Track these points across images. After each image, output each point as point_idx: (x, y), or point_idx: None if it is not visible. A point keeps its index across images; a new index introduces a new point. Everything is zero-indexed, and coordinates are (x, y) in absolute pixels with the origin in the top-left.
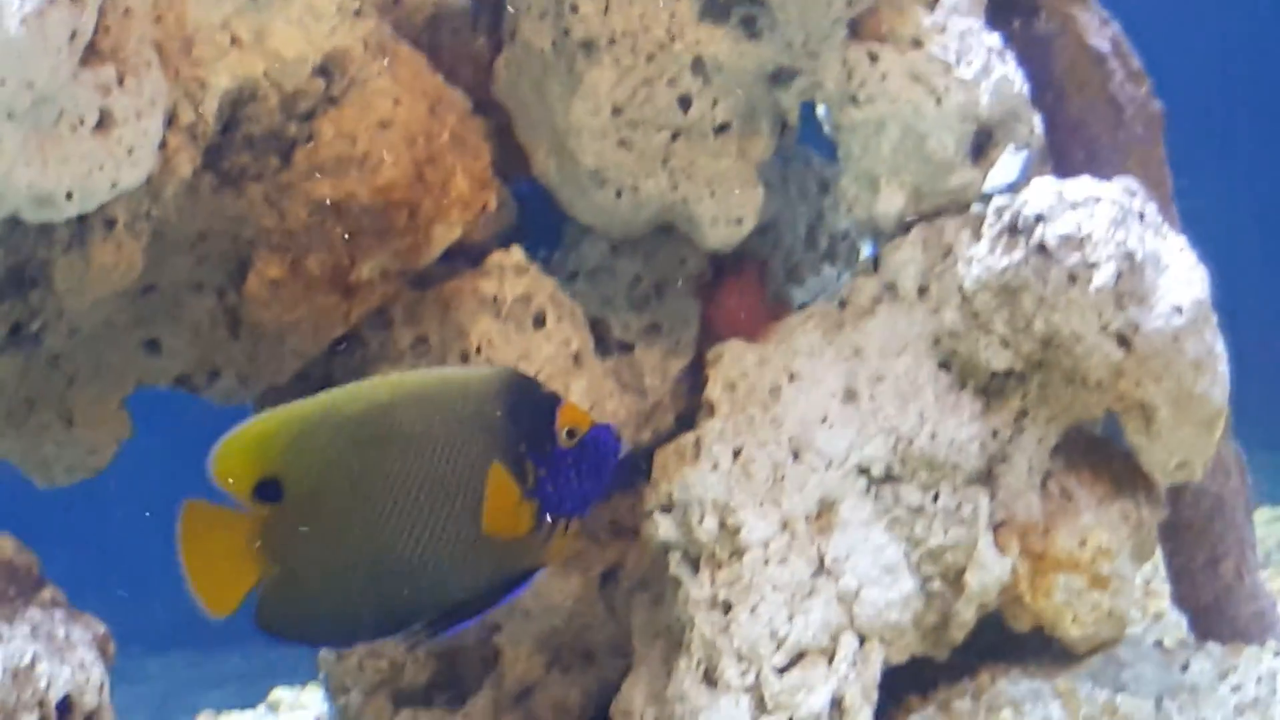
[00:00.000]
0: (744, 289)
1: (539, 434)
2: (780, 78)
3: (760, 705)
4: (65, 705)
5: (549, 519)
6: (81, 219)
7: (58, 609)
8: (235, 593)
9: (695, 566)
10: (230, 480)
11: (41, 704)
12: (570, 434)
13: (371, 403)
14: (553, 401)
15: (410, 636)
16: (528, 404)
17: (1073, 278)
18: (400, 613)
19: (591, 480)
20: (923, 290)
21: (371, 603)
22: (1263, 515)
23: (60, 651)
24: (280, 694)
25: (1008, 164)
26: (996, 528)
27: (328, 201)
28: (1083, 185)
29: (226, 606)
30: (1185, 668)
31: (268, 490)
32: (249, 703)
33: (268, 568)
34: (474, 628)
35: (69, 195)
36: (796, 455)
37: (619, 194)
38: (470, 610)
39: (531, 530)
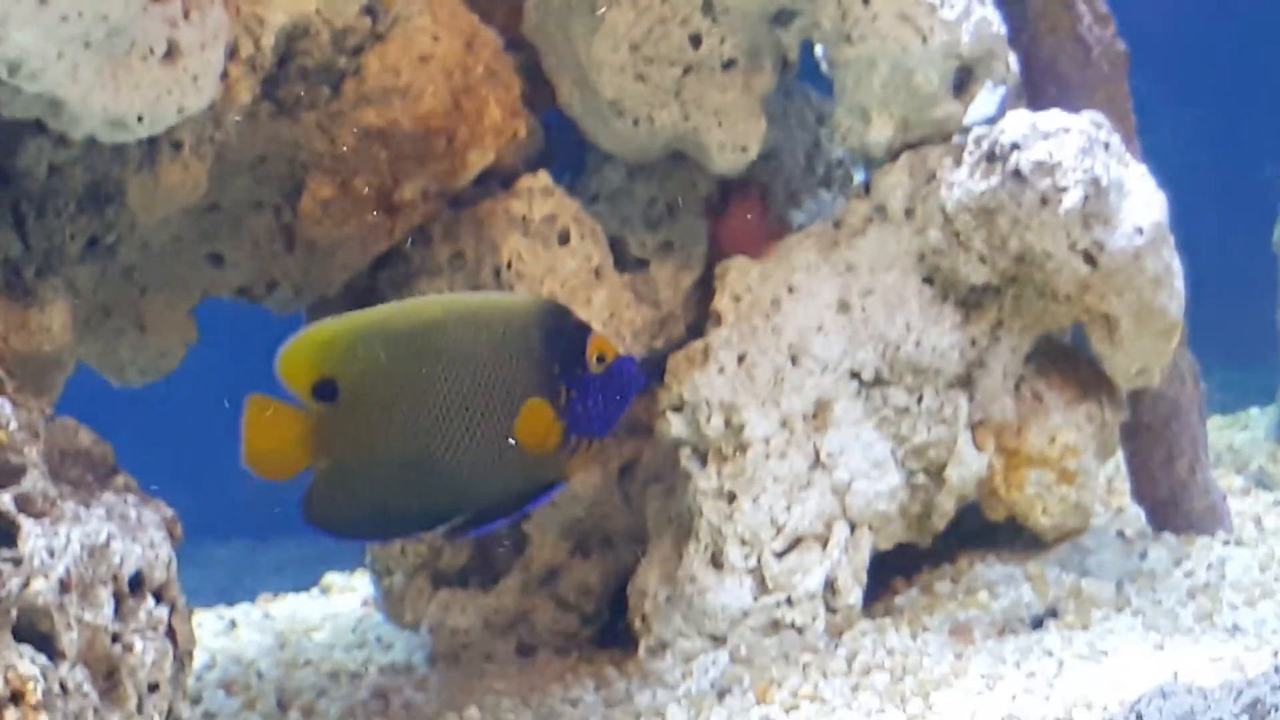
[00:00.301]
0: (748, 211)
1: (571, 359)
2: (782, 18)
3: (761, 585)
4: (136, 580)
5: (574, 438)
6: (151, 141)
7: (130, 494)
8: (285, 471)
9: (703, 461)
10: (292, 378)
11: (115, 578)
12: (600, 360)
13: (424, 318)
14: (585, 330)
15: (446, 534)
16: (563, 331)
17: (1044, 200)
18: (435, 511)
19: (615, 405)
20: (909, 212)
21: (410, 500)
22: (1214, 423)
23: (132, 532)
24: (332, 578)
25: (986, 98)
26: (974, 427)
27: (374, 128)
28: (1054, 117)
29: (271, 477)
30: (1143, 555)
31: (325, 390)
32: (304, 586)
33: (318, 459)
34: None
35: (139, 118)
36: (795, 360)
37: (636, 123)
38: (498, 514)
39: (559, 447)
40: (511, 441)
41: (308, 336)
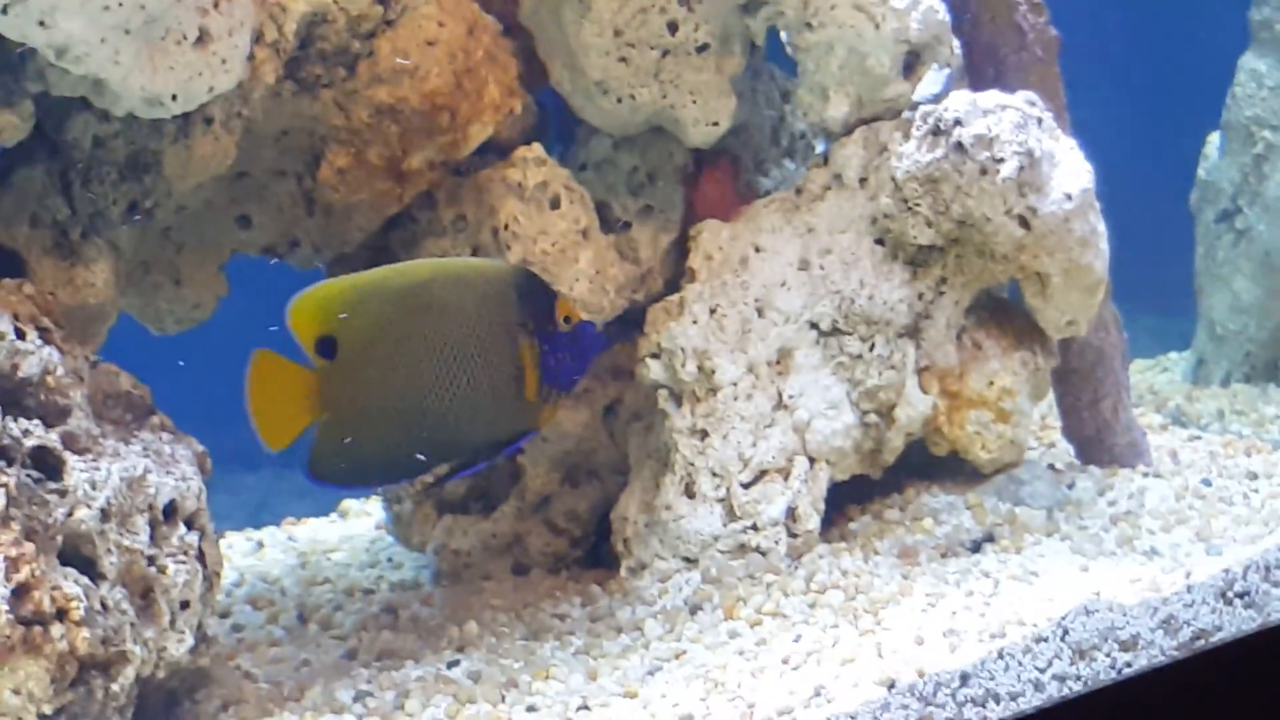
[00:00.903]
0: (720, 179)
1: (542, 317)
2: (750, 6)
3: (730, 513)
4: (170, 509)
5: (546, 389)
6: (185, 117)
7: (165, 432)
8: (290, 431)
9: (679, 402)
10: (300, 331)
11: (151, 507)
12: (566, 321)
13: (414, 278)
14: (553, 294)
15: (434, 483)
16: (535, 293)
17: (983, 170)
18: (428, 457)
19: (579, 363)
20: (863, 180)
21: (405, 448)
22: (1137, 366)
23: (166, 465)
24: (349, 504)
25: (932, 79)
26: (921, 372)
27: (385, 105)
28: (992, 96)
29: (281, 442)
30: (1071, 486)
31: (325, 347)
32: (324, 511)
33: (320, 414)
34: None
35: (174, 97)
36: (760, 312)
37: (619, 101)
38: (480, 458)
39: (535, 397)
40: (494, 389)
41: (310, 295)
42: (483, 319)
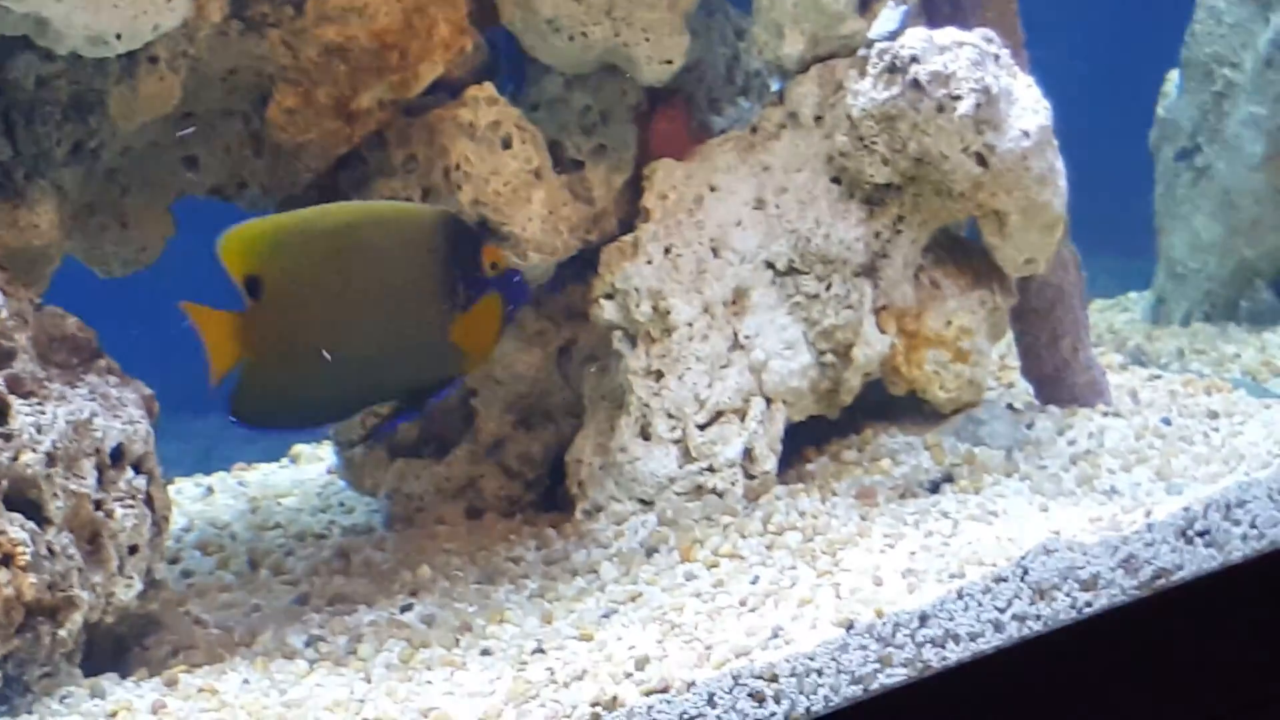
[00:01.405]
0: (673, 117)
1: (468, 263)
2: None
3: (686, 455)
4: (117, 452)
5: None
6: (130, 56)
7: (112, 375)
8: (219, 368)
9: (634, 343)
10: (230, 266)
11: (98, 451)
12: (494, 266)
13: (340, 220)
14: (480, 239)
15: (362, 438)
16: (462, 238)
17: (940, 107)
18: (353, 400)
19: (505, 309)
20: (819, 118)
21: (328, 391)
22: (1096, 306)
23: (113, 409)
24: (300, 448)
25: (888, 16)
26: (878, 311)
27: (333, 44)
28: (949, 33)
29: (211, 378)
30: (1030, 426)
31: (252, 287)
32: (275, 456)
33: (244, 355)
34: (454, 396)
35: (118, 36)
36: (716, 252)
37: (571, 39)
38: (406, 409)
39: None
40: (418, 331)
41: (238, 232)
42: (408, 262)
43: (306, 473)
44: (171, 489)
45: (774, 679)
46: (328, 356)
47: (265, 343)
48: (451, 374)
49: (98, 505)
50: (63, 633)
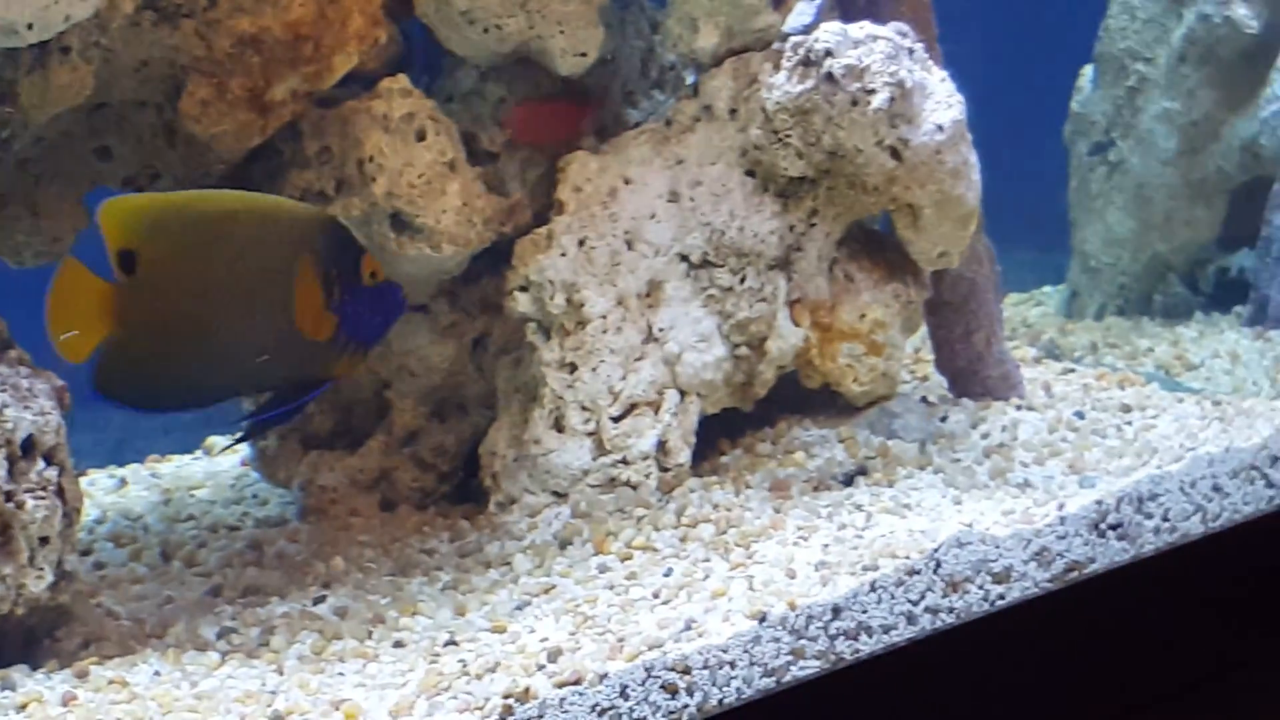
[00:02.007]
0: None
1: (348, 267)
2: None
3: (599, 447)
4: (28, 444)
5: (344, 337)
6: (41, 46)
7: (22, 366)
8: (85, 344)
9: (547, 335)
10: (108, 237)
11: (8, 442)
12: (373, 276)
13: (224, 206)
14: (362, 249)
15: (239, 438)
16: (343, 243)
17: (854, 101)
18: (215, 389)
19: (381, 319)
20: (733, 111)
21: (192, 376)
22: (1011, 299)
23: (24, 400)
24: (214, 440)
25: (803, 9)
26: (792, 304)
27: (247, 34)
28: (863, 27)
29: (77, 355)
30: (944, 419)
31: (126, 261)
32: (189, 448)
33: (113, 330)
34: (368, 388)
35: (29, 25)
36: (630, 245)
37: (486, 30)
38: (275, 407)
39: (330, 340)
40: (289, 326)
41: (118, 202)
42: (284, 259)
43: (220, 465)
44: (84, 481)
45: (687, 671)
46: (193, 342)
47: (132, 319)
48: (320, 377)
49: (8, 497)
50: None
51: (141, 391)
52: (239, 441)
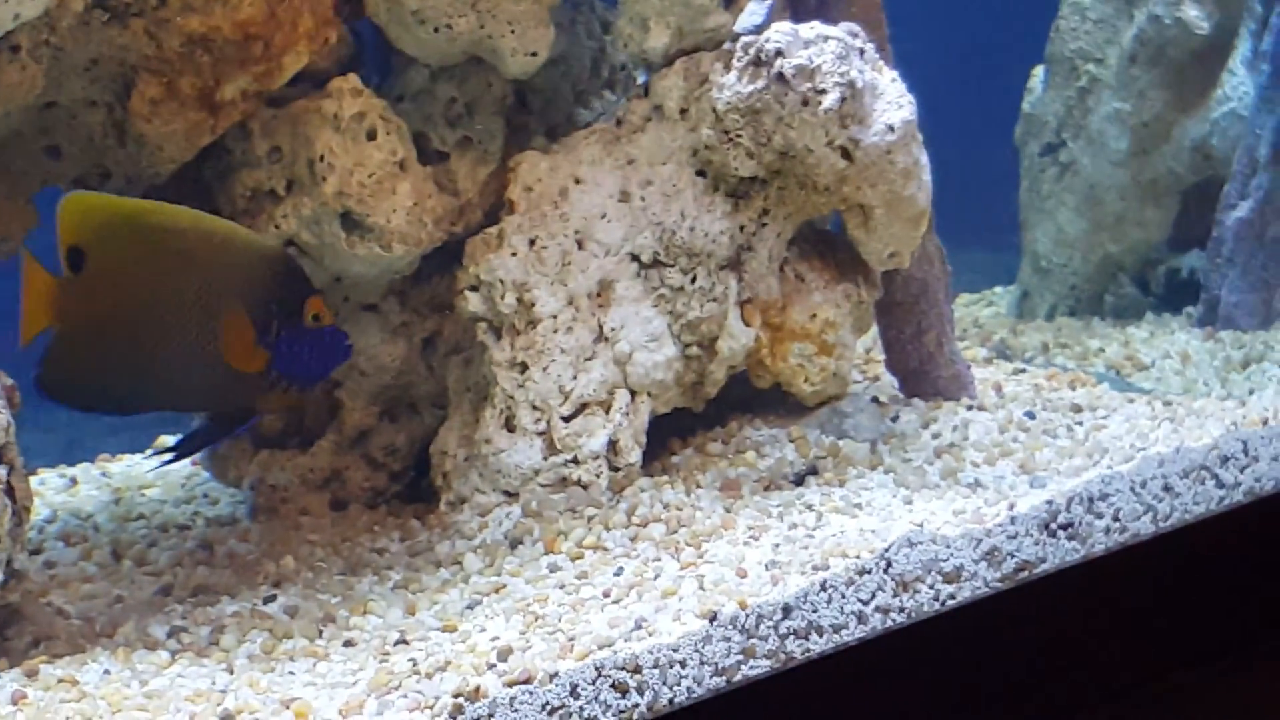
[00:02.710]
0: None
1: (289, 306)
2: None
3: (550, 446)
4: None
5: (275, 373)
6: None
7: None
8: (28, 330)
9: (498, 334)
10: (61, 232)
11: None
12: (315, 318)
13: (175, 222)
14: (310, 290)
15: (168, 454)
16: (290, 280)
17: (805, 101)
18: (148, 397)
19: (319, 362)
20: (684, 111)
21: (126, 383)
22: (962, 300)
23: None
24: (165, 439)
25: (754, 9)
26: (743, 304)
27: (197, 34)
28: (814, 27)
29: (22, 338)
30: (895, 419)
31: (75, 259)
32: (140, 448)
33: (54, 323)
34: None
35: None
36: (580, 244)
37: (436, 30)
38: (203, 432)
39: (261, 374)
40: (215, 355)
41: (75, 199)
42: (227, 285)
43: (171, 464)
44: (34, 480)
45: (637, 670)
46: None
47: (74, 316)
48: (251, 407)
49: None
50: None
51: (80, 392)
52: (165, 464)
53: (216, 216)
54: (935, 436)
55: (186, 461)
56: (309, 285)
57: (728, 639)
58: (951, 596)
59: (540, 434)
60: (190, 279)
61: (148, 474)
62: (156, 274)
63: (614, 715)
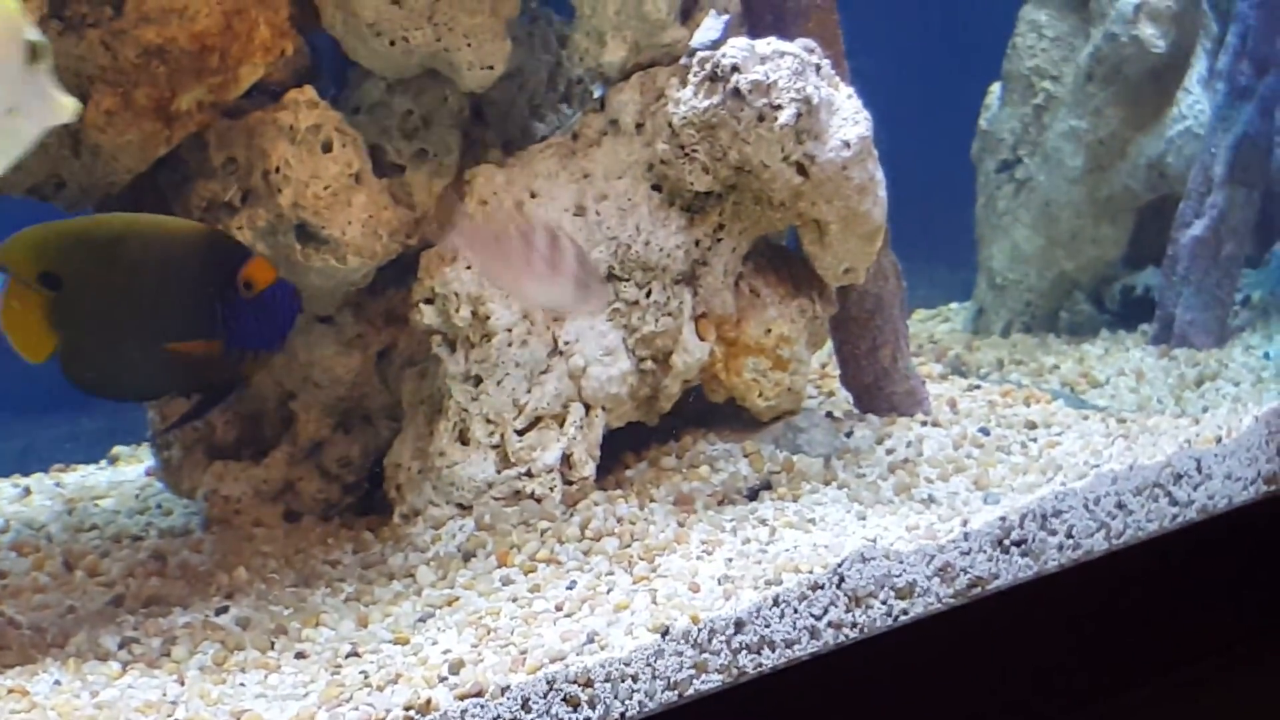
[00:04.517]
0: None
1: (225, 284)
2: None
3: (504, 460)
4: None
5: (236, 350)
6: None
7: None
8: (42, 350)
9: (453, 347)
10: (16, 267)
11: None
12: (248, 286)
13: (111, 231)
14: (241, 258)
15: (164, 429)
16: (219, 258)
17: (761, 117)
18: (146, 388)
19: (272, 324)
20: (640, 126)
21: (124, 376)
22: (918, 316)
23: None
24: (119, 450)
25: (710, 25)
26: (698, 319)
27: (153, 45)
28: (770, 43)
29: (38, 356)
30: (849, 434)
31: (50, 280)
32: (94, 458)
33: (58, 336)
34: (273, 399)
35: None
36: None
37: (393, 43)
38: (194, 411)
39: (223, 356)
40: (172, 350)
41: (25, 235)
42: (163, 279)
43: (125, 474)
44: None
45: (589, 684)
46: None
47: (71, 326)
48: (228, 382)
49: None
50: None
51: (99, 383)
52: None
53: (150, 215)
54: (889, 452)
55: (140, 471)
56: (240, 252)
57: (680, 653)
58: (904, 612)
59: (494, 447)
60: (133, 283)
61: (179, 448)
62: (108, 284)
63: None
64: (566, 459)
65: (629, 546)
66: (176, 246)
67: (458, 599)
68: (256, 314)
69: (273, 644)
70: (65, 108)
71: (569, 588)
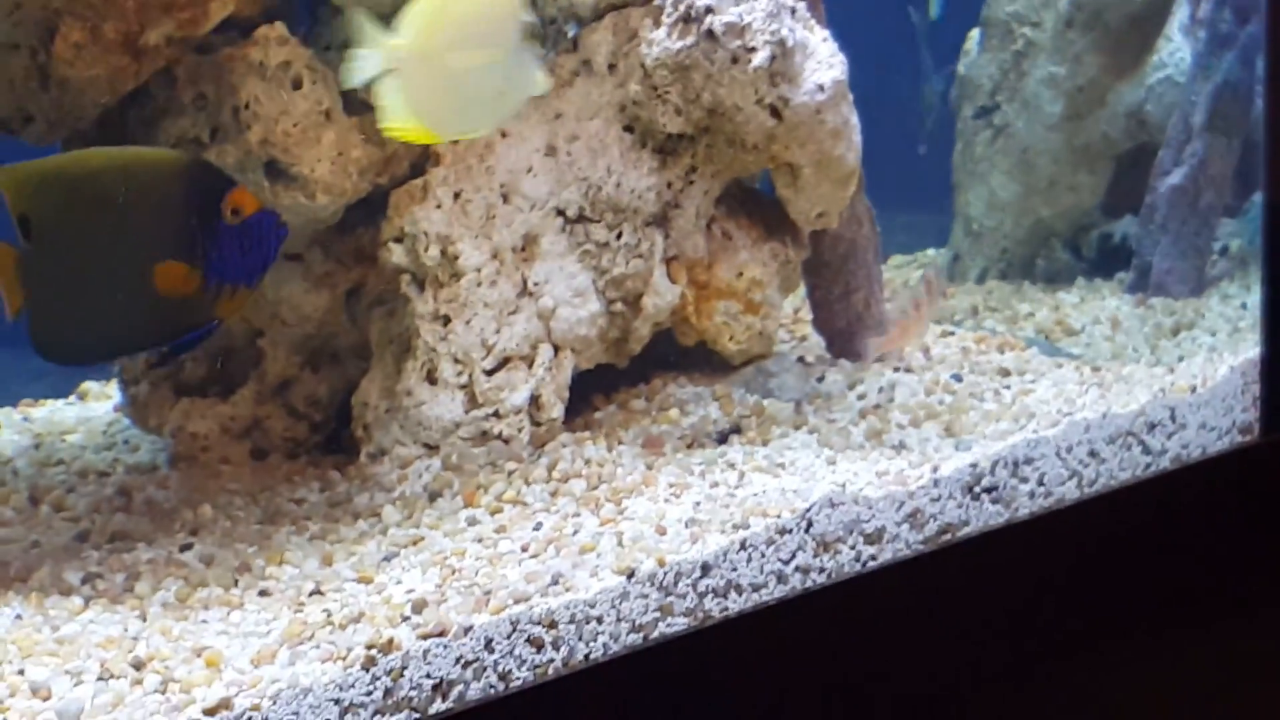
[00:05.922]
0: None
1: (208, 212)
2: None
3: (472, 400)
4: None
5: (216, 284)
6: None
7: None
8: (13, 304)
9: (421, 287)
10: (11, 204)
11: None
12: (235, 213)
13: (88, 167)
14: (224, 185)
15: (152, 363)
16: (202, 186)
17: (734, 59)
18: (124, 340)
19: (254, 256)
20: (612, 67)
21: (99, 329)
22: (895, 261)
23: None
24: (88, 386)
25: None
26: (669, 261)
27: None
28: None
29: (9, 309)
30: (821, 379)
31: (25, 227)
32: (63, 394)
33: (28, 289)
34: (241, 336)
35: None
36: (506, 198)
37: None
38: (173, 349)
39: (201, 291)
40: (152, 288)
41: (11, 170)
42: (144, 212)
43: (93, 410)
44: None
45: (553, 625)
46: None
47: (42, 281)
48: (206, 319)
49: None
50: None
51: (70, 348)
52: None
53: (128, 148)
54: (861, 398)
55: (108, 406)
56: (223, 180)
57: (645, 596)
58: (873, 558)
59: (462, 387)
60: (111, 219)
61: (147, 383)
62: (88, 227)
63: (529, 670)
64: (535, 400)
65: (596, 489)
66: (158, 176)
67: (423, 539)
68: (241, 241)
69: (236, 581)
70: (540, 83)
71: (535, 529)
